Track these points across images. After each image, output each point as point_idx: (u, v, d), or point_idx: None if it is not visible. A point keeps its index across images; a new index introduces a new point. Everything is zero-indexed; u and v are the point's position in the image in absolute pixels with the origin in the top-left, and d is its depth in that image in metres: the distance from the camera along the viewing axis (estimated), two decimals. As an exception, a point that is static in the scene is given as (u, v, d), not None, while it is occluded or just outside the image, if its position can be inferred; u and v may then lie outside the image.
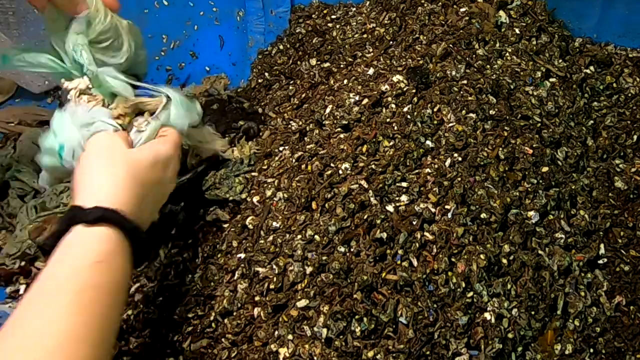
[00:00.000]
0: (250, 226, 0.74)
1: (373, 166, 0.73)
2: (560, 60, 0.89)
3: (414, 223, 0.67)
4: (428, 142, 0.76)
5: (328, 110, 0.84)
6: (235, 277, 0.70)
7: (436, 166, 0.72)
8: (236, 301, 0.67)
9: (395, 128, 0.77)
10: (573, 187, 0.76)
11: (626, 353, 0.66)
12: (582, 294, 0.67)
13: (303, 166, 0.77)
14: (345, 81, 0.89)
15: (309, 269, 0.66)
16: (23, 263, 0.83)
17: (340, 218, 0.68)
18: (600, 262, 0.71)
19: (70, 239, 0.54)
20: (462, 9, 0.91)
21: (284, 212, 0.73)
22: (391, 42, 0.93)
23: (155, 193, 0.65)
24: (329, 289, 0.64)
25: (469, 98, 0.78)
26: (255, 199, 0.77)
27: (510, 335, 0.63)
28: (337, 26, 1.04)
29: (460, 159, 0.73)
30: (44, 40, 1.05)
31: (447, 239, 0.66)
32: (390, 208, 0.69)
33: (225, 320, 0.67)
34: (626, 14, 0.97)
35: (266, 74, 1.04)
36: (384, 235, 0.66)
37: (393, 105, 0.80)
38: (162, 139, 0.68)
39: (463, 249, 0.66)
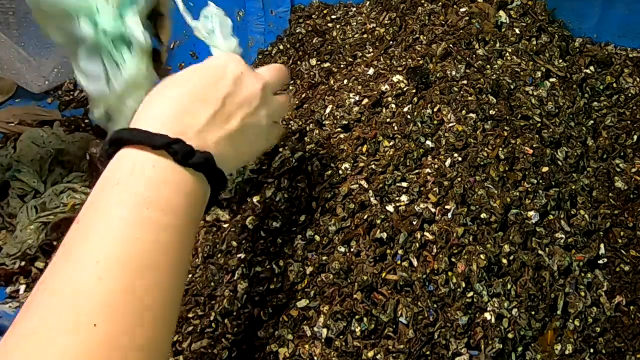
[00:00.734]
0: (250, 226, 0.74)
1: (373, 166, 0.73)
2: (560, 60, 0.89)
3: (414, 223, 0.67)
4: (428, 142, 0.76)
5: (328, 110, 0.84)
6: (235, 277, 0.70)
7: (436, 166, 0.72)
8: (236, 301, 0.67)
9: (395, 128, 0.77)
10: (573, 187, 0.76)
11: (626, 353, 0.66)
12: (582, 294, 0.67)
13: (303, 166, 0.77)
14: (345, 81, 0.89)
15: (309, 269, 0.66)
16: (23, 263, 0.83)
17: (340, 218, 0.68)
18: (600, 262, 0.71)
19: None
20: (462, 9, 0.91)
21: (284, 212, 0.73)
22: (391, 42, 0.93)
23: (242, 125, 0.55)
24: (329, 289, 0.64)
25: (469, 98, 0.78)
26: (255, 199, 0.77)
27: (510, 335, 0.63)
28: (337, 26, 1.04)
29: (460, 159, 0.73)
30: (44, 40, 1.06)
31: (447, 239, 0.66)
32: (390, 208, 0.69)
33: (225, 320, 0.67)
34: (626, 14, 0.97)
35: (266, 74, 1.04)
36: (384, 235, 0.66)
37: (393, 105, 0.80)
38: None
39: (463, 249, 0.66)
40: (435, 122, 0.77)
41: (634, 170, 0.80)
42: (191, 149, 0.47)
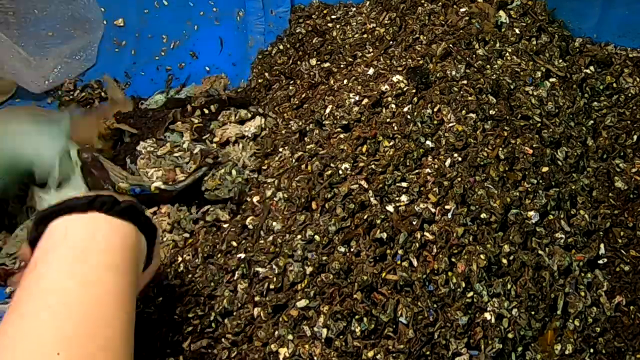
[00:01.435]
0: (250, 226, 0.74)
1: (373, 166, 0.73)
2: (560, 60, 0.89)
3: (414, 223, 0.67)
4: (428, 142, 0.76)
5: (328, 110, 0.84)
6: (235, 277, 0.70)
7: (436, 166, 0.72)
8: (236, 301, 0.67)
9: (395, 128, 0.77)
10: (573, 187, 0.76)
11: (626, 353, 0.66)
12: (582, 294, 0.67)
13: (303, 166, 0.77)
14: (345, 81, 0.89)
15: (309, 269, 0.66)
16: (23, 263, 0.83)
17: (340, 218, 0.68)
18: (600, 262, 0.71)
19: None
20: (462, 9, 0.91)
21: (284, 212, 0.73)
22: (391, 42, 0.93)
23: None
24: (329, 289, 0.64)
25: (469, 98, 0.78)
26: (255, 199, 0.77)
27: (510, 335, 0.63)
28: (337, 26, 1.04)
29: (460, 159, 0.73)
30: (44, 40, 1.06)
31: (447, 239, 0.66)
32: (390, 208, 0.69)
33: (225, 320, 0.67)
34: (626, 14, 0.97)
35: (266, 74, 1.04)
36: (384, 235, 0.66)
37: (393, 105, 0.80)
38: None
39: (463, 249, 0.66)
40: (435, 122, 0.77)
41: (634, 170, 0.80)
42: (116, 200, 0.52)
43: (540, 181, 0.73)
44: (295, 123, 0.87)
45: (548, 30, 0.91)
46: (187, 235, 0.80)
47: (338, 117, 0.82)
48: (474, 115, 0.77)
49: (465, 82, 0.81)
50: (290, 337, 0.62)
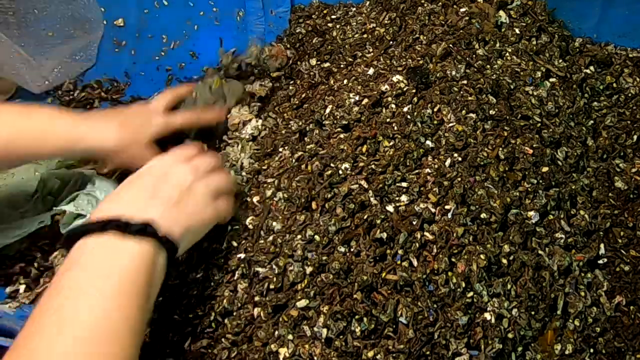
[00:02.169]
0: (250, 226, 0.74)
1: (373, 166, 0.73)
2: (560, 60, 0.89)
3: (414, 223, 0.67)
4: (428, 142, 0.76)
5: (328, 110, 0.84)
6: (235, 277, 0.70)
7: (436, 166, 0.72)
8: (236, 301, 0.67)
9: (395, 128, 0.77)
10: (573, 187, 0.76)
11: (626, 353, 0.66)
12: (582, 294, 0.67)
13: (303, 166, 0.77)
14: (345, 81, 0.89)
15: (309, 269, 0.66)
16: (23, 264, 0.83)
17: (340, 218, 0.68)
18: (600, 262, 0.71)
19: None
20: (462, 9, 0.91)
21: (284, 212, 0.73)
22: (391, 42, 0.93)
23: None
24: (329, 289, 0.64)
25: (469, 98, 0.78)
26: (255, 199, 0.77)
27: (510, 335, 0.63)
28: (337, 26, 1.04)
29: (460, 159, 0.73)
30: (44, 40, 1.06)
31: (447, 239, 0.66)
32: (390, 208, 0.69)
33: (225, 320, 0.67)
34: (626, 14, 0.97)
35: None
36: (384, 235, 0.66)
37: (393, 105, 0.80)
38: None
39: (463, 249, 0.66)
40: (435, 122, 0.77)
41: (634, 170, 0.80)
42: (129, 221, 0.55)
43: (540, 181, 0.73)
44: (295, 123, 0.87)
45: (548, 30, 0.91)
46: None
47: (338, 117, 0.82)
48: (474, 115, 0.77)
49: (465, 82, 0.81)
50: (290, 337, 0.62)
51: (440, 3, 0.94)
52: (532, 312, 0.65)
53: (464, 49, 0.85)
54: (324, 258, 0.66)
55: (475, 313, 0.64)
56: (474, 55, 0.85)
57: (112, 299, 0.51)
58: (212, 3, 1.11)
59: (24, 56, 1.03)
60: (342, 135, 0.79)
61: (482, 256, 0.65)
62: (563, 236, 0.70)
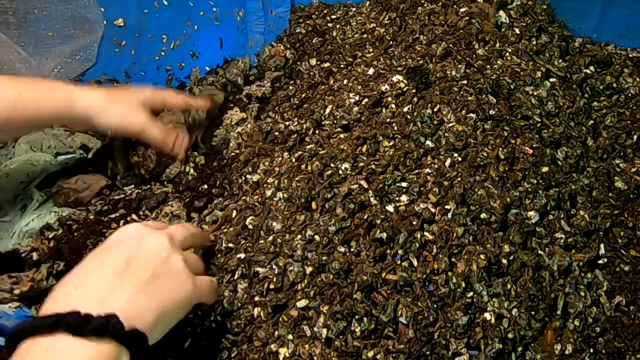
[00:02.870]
0: (250, 226, 0.74)
1: (373, 166, 0.73)
2: (560, 60, 0.89)
3: (414, 223, 0.67)
4: (428, 142, 0.76)
5: (328, 110, 0.84)
6: (235, 277, 0.70)
7: (436, 166, 0.72)
8: (236, 301, 0.67)
9: (395, 128, 0.77)
10: (573, 187, 0.76)
11: (626, 353, 0.66)
12: (582, 294, 0.67)
13: (303, 166, 0.77)
14: (345, 81, 0.89)
15: (309, 269, 0.66)
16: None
17: (340, 218, 0.68)
18: (600, 262, 0.71)
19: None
20: (462, 9, 0.91)
21: (283, 212, 0.73)
22: (391, 42, 0.93)
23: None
24: (329, 289, 0.64)
25: (469, 98, 0.78)
26: (256, 198, 0.77)
27: (510, 335, 0.63)
28: (337, 26, 1.04)
29: (460, 159, 0.73)
30: (44, 40, 1.06)
31: (447, 239, 0.66)
32: (390, 208, 0.69)
33: (225, 320, 0.67)
34: (626, 14, 0.97)
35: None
36: (384, 235, 0.66)
37: (393, 105, 0.80)
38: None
39: (463, 249, 0.66)
40: (435, 122, 0.77)
41: (634, 170, 0.80)
42: (86, 317, 0.46)
43: (540, 181, 0.73)
44: (295, 123, 0.87)
45: (548, 30, 0.91)
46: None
47: (338, 117, 0.82)
48: (474, 115, 0.77)
49: (465, 82, 0.81)
50: (290, 337, 0.62)
51: (440, 3, 0.94)
52: (532, 312, 0.65)
53: (464, 49, 0.85)
54: (324, 258, 0.66)
55: (475, 313, 0.64)
56: (474, 55, 0.85)
57: None
58: (212, 3, 1.11)
59: (23, 56, 1.03)
60: (342, 135, 0.79)
61: (482, 256, 0.65)
62: (563, 236, 0.70)
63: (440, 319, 0.62)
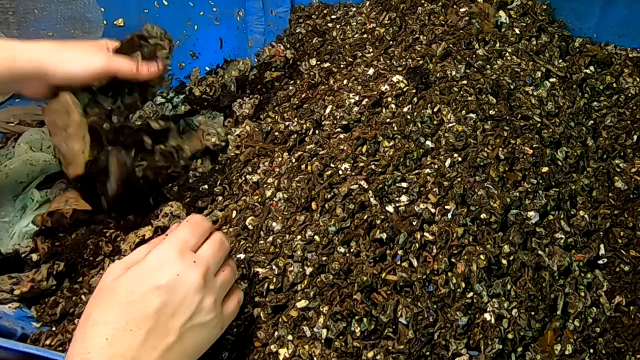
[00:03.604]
0: (250, 226, 0.74)
1: (373, 166, 0.73)
2: (560, 60, 0.89)
3: (414, 223, 0.67)
4: (428, 142, 0.76)
5: (328, 110, 0.84)
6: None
7: (436, 166, 0.72)
8: (236, 301, 0.67)
9: (395, 128, 0.77)
10: (573, 187, 0.76)
11: (626, 353, 0.65)
12: (582, 294, 0.67)
13: (303, 166, 0.77)
14: (345, 81, 0.89)
15: (308, 270, 0.66)
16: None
17: (340, 218, 0.68)
18: (600, 262, 0.71)
19: None
20: (462, 9, 0.91)
21: (283, 212, 0.73)
22: (391, 42, 0.93)
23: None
24: (328, 290, 0.64)
25: (469, 98, 0.78)
26: (255, 199, 0.77)
27: (510, 336, 0.63)
28: (337, 26, 1.04)
29: (460, 159, 0.73)
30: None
31: (447, 240, 0.66)
32: (390, 208, 0.69)
33: (225, 321, 0.67)
34: (626, 14, 0.97)
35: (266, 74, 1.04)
36: (384, 235, 0.66)
37: (393, 106, 0.80)
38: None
39: (463, 250, 0.66)
40: (435, 122, 0.77)
41: (634, 170, 0.80)
42: None
43: (540, 181, 0.73)
44: (295, 123, 0.87)
45: (548, 30, 0.91)
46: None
47: (338, 117, 0.82)
48: (474, 116, 0.77)
49: (465, 82, 0.81)
50: (290, 337, 0.62)
51: (440, 3, 0.94)
52: (532, 313, 0.65)
53: (464, 49, 0.85)
54: (324, 258, 0.66)
55: (475, 313, 0.63)
56: (474, 55, 0.85)
57: None
58: (212, 3, 1.11)
59: (24, 56, 1.03)
60: (342, 136, 0.79)
61: (482, 256, 0.65)
62: (563, 236, 0.70)
63: (440, 320, 0.62)
